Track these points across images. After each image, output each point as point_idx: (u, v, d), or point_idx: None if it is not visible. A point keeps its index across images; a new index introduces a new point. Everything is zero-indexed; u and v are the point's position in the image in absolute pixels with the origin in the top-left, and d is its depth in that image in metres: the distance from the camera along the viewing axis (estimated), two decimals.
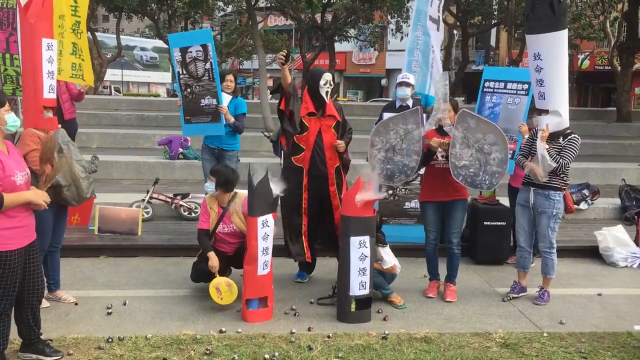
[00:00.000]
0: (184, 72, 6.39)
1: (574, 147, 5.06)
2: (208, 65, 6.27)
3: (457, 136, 4.97)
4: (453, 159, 4.98)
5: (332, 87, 5.41)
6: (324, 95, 5.32)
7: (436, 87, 5.15)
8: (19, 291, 3.72)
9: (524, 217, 5.37)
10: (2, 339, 3.67)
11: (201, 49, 6.26)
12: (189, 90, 6.42)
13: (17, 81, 6.22)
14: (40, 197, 3.66)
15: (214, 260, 4.94)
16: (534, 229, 5.38)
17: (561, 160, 5.01)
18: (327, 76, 5.33)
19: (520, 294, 5.43)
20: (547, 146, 5.00)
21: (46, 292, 4.74)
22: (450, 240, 5.36)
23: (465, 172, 4.99)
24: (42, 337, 3.98)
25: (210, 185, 5.06)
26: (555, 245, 5.30)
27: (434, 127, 5.22)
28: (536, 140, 5.08)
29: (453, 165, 4.99)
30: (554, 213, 5.17)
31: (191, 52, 6.30)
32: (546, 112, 5.09)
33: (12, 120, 3.62)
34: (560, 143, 5.09)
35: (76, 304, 4.91)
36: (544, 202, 5.16)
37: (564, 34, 4.95)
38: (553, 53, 4.97)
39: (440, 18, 7.38)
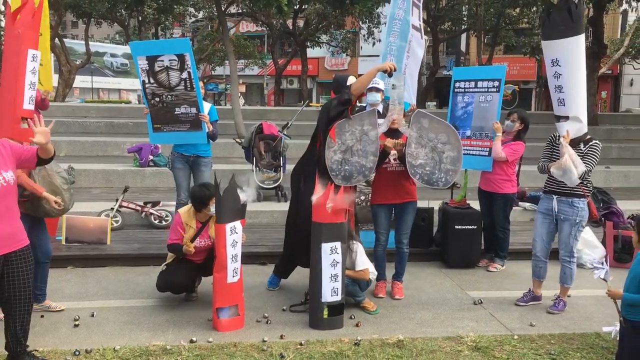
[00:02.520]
0: (151, 81, 6.22)
1: (596, 153, 4.99)
2: (185, 75, 6.11)
3: (412, 136, 5.10)
4: (409, 158, 5.09)
5: None
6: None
7: (390, 89, 5.20)
8: (7, 302, 3.68)
9: (544, 226, 5.27)
10: None
11: (176, 58, 6.07)
12: (157, 99, 6.27)
13: None
14: None
15: (190, 246, 4.88)
16: (552, 238, 5.32)
17: (584, 167, 4.91)
18: (352, 78, 5.32)
19: (530, 303, 5.39)
20: (573, 151, 4.86)
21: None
22: (400, 241, 5.51)
23: (422, 171, 5.11)
24: (27, 349, 3.92)
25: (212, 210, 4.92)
26: (575, 255, 5.22)
27: (386, 127, 5.25)
28: (556, 146, 5.08)
29: (410, 164, 5.09)
30: (577, 221, 5.09)
31: (162, 60, 6.10)
32: (565, 118, 5.02)
33: None
34: (581, 150, 5.00)
35: (42, 316, 4.80)
36: (567, 210, 5.08)
37: (581, 39, 4.88)
38: (572, 58, 4.92)
39: (422, 26, 7.45)
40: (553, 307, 5.27)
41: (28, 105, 4.62)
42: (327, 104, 5.36)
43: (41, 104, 7.52)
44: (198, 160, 6.56)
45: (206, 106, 6.45)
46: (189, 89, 6.18)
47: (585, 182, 5.07)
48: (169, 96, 6.24)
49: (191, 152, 6.52)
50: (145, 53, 6.18)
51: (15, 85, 4.53)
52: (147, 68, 6.18)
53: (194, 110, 6.23)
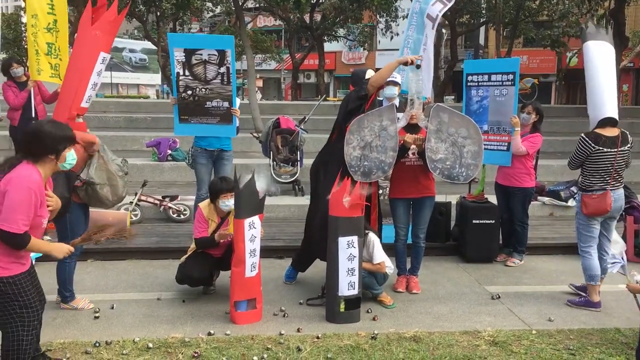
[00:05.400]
0: (186, 74, 6.27)
1: (576, 146, 5.08)
2: (223, 70, 6.20)
3: (431, 130, 5.08)
4: (429, 152, 5.07)
5: None
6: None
7: (410, 83, 5.18)
8: None
9: None
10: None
11: (216, 53, 6.17)
12: (189, 92, 6.31)
13: None
14: (62, 252, 3.41)
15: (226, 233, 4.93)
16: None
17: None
18: (371, 72, 5.33)
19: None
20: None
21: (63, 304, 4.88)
22: (417, 235, 5.51)
23: (442, 165, 5.10)
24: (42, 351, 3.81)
25: (230, 203, 4.93)
26: (582, 247, 5.20)
27: (405, 122, 5.23)
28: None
29: (430, 159, 5.08)
30: (576, 212, 5.24)
31: (201, 54, 6.19)
32: None
33: (71, 158, 3.39)
34: None
35: (61, 307, 4.88)
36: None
37: (584, 48, 5.43)
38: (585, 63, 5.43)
39: (439, 18, 7.40)
40: (572, 300, 5.24)
41: (85, 104, 4.79)
42: (347, 96, 5.39)
43: (49, 99, 7.40)
44: (222, 154, 6.60)
45: (237, 102, 6.51)
46: (225, 83, 6.27)
47: (581, 175, 5.15)
48: (202, 89, 6.30)
49: (215, 146, 6.55)
50: (183, 45, 6.24)
51: (79, 83, 4.66)
52: (184, 60, 6.24)
53: (226, 104, 6.29)
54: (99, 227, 3.71)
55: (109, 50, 4.91)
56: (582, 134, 5.08)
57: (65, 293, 4.85)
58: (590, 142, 4.97)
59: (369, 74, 5.31)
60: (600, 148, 4.94)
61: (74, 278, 4.89)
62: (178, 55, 6.23)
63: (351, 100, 5.20)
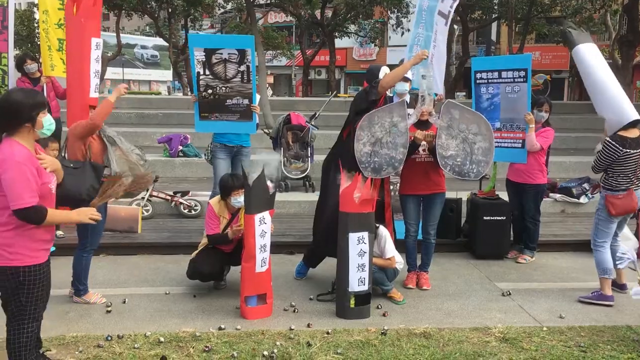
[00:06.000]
0: (206, 73, 6.29)
1: (601, 151, 5.06)
2: (243, 68, 6.23)
3: (442, 127, 5.08)
4: (440, 149, 5.07)
5: None
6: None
7: (420, 79, 5.16)
8: None
9: None
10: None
11: (236, 52, 6.20)
12: (209, 91, 6.33)
13: (2, 80, 6.23)
14: (86, 215, 3.39)
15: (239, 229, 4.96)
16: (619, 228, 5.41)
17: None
18: (386, 69, 5.33)
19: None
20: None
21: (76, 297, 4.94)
22: (427, 232, 5.51)
23: (453, 162, 5.10)
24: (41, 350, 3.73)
25: (241, 199, 4.94)
26: (597, 242, 5.21)
27: (416, 119, 5.22)
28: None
29: (440, 155, 5.08)
30: (597, 208, 5.24)
31: (221, 53, 6.21)
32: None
33: (49, 123, 3.27)
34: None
35: (74, 300, 4.92)
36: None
37: (576, 51, 5.49)
38: (580, 66, 5.63)
39: (451, 14, 7.36)
40: (585, 296, 5.23)
41: (94, 94, 4.77)
42: (358, 94, 5.39)
43: (62, 95, 7.38)
44: (241, 150, 6.63)
45: (257, 98, 6.54)
46: (245, 81, 6.28)
47: (605, 176, 5.13)
48: (223, 88, 6.32)
49: (235, 142, 6.58)
50: (204, 45, 6.28)
51: (81, 74, 4.64)
52: (204, 59, 6.26)
53: (245, 101, 6.31)
54: (113, 181, 3.62)
55: (100, 35, 4.90)
56: (607, 138, 5.06)
57: (80, 286, 4.90)
58: (617, 145, 4.95)
59: (383, 72, 5.31)
60: (627, 150, 4.95)
61: None
62: (198, 55, 6.25)
63: (361, 100, 5.21)
